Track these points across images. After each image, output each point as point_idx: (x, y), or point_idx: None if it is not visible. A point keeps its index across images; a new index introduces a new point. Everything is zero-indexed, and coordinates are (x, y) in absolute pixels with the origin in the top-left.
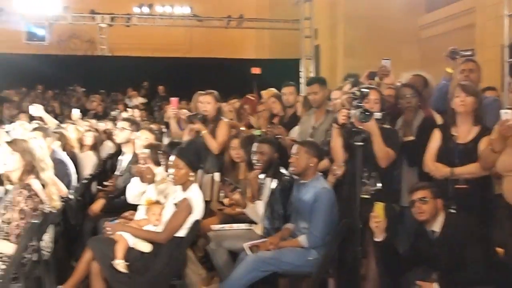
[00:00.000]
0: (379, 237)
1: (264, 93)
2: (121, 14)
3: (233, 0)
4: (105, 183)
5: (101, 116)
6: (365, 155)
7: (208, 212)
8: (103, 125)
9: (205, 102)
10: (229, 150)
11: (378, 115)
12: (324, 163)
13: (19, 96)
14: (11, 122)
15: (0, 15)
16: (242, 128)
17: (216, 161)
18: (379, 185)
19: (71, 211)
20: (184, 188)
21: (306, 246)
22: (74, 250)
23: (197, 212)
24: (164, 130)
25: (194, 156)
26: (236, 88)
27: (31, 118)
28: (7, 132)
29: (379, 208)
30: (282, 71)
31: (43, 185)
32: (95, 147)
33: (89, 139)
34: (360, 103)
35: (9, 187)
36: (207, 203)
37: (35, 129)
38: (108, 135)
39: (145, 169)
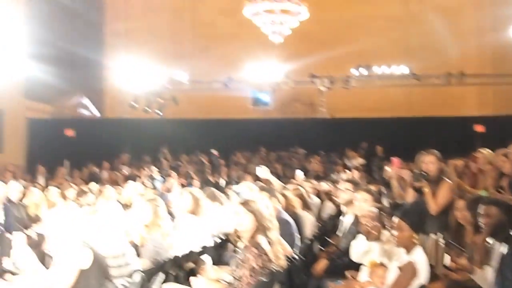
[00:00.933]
0: None
1: (485, 153)
2: (340, 77)
3: (452, 57)
4: (327, 239)
5: (322, 177)
6: None
7: (433, 276)
8: (325, 186)
9: (428, 162)
10: (454, 212)
11: None
12: None
13: (245, 159)
14: (238, 183)
15: (229, 83)
16: (467, 189)
17: (441, 223)
18: None
19: (295, 270)
20: (408, 251)
21: None
22: None
23: (422, 276)
24: (384, 191)
25: (418, 218)
26: (459, 146)
27: (256, 179)
28: (236, 193)
29: None
30: (508, 128)
31: (270, 244)
32: (308, 207)
33: (302, 200)
34: None
35: (239, 245)
36: (431, 267)
37: (261, 190)
38: (329, 196)
39: (372, 226)
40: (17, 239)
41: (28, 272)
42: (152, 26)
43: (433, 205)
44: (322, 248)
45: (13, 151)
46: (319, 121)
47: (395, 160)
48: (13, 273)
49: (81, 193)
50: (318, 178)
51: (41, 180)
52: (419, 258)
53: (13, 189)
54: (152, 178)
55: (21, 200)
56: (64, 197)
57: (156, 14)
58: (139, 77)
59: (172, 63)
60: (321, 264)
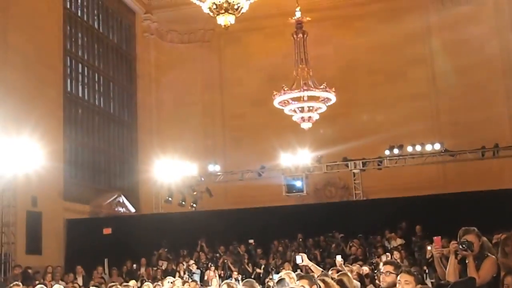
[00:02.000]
0: None
1: None
2: (372, 158)
3: (486, 131)
4: None
5: (361, 260)
6: None
7: None
8: (365, 269)
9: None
10: None
11: None
12: None
13: (283, 247)
14: (277, 271)
15: (262, 172)
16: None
17: None
18: None
19: None
20: None
21: None
22: None
23: None
24: (426, 271)
25: None
26: (500, 221)
27: (295, 267)
28: (275, 282)
29: None
30: None
31: None
32: None
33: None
34: None
35: None
36: None
37: (301, 277)
38: (370, 279)
39: None
40: None
41: None
42: (183, 122)
43: (475, 276)
44: None
45: (52, 252)
46: (354, 203)
47: (437, 238)
48: None
49: None
50: (358, 261)
51: (80, 280)
52: None
53: None
54: (190, 271)
55: None
56: None
57: (186, 110)
58: (172, 172)
59: (205, 155)
60: None
